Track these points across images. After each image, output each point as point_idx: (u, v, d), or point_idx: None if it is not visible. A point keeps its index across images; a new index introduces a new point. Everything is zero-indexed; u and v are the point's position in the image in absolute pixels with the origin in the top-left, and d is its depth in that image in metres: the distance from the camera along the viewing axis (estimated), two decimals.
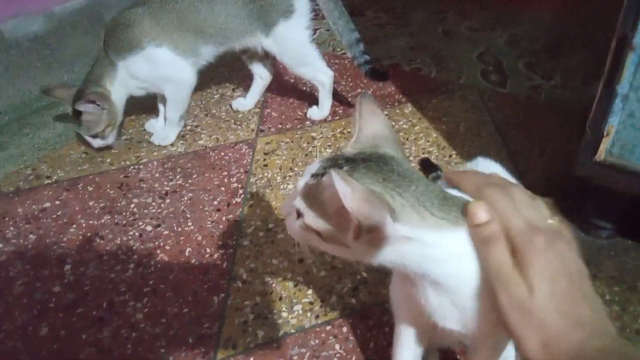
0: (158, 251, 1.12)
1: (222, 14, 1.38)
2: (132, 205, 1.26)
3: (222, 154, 1.44)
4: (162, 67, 1.40)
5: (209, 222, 1.19)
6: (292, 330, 0.93)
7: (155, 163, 1.43)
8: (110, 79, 1.41)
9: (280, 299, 0.99)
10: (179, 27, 1.37)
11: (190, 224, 1.19)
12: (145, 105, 1.60)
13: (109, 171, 1.40)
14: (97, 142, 1.45)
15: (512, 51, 1.91)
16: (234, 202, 1.25)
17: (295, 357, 0.88)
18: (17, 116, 1.66)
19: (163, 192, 1.30)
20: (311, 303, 0.98)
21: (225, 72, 1.86)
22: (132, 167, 1.41)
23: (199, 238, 1.15)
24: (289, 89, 1.75)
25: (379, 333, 0.91)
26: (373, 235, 0.46)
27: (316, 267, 1.05)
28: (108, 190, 1.32)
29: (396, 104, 1.63)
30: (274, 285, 1.02)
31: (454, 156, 1.36)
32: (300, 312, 0.96)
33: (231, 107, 1.66)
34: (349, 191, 0.42)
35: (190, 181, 1.34)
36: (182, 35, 1.38)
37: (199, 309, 0.98)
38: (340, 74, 1.79)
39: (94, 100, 1.37)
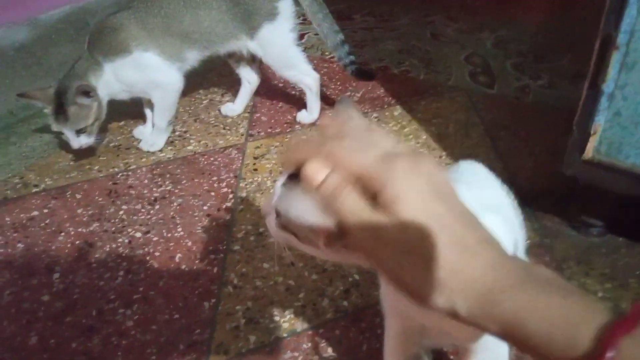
0: (148, 258, 1.11)
1: (207, 18, 1.38)
2: (121, 212, 1.25)
3: (212, 159, 1.44)
4: (149, 71, 1.40)
5: (199, 228, 1.18)
6: (284, 335, 0.92)
7: (144, 169, 1.42)
8: (95, 77, 1.38)
9: (272, 303, 0.99)
10: (164, 32, 1.38)
11: (180, 229, 1.18)
12: (133, 111, 1.59)
13: (97, 178, 1.39)
14: (81, 140, 1.38)
15: (499, 53, 1.93)
16: (224, 207, 1.25)
17: None
18: (4, 125, 1.64)
19: (152, 198, 1.29)
20: (303, 306, 0.97)
21: (214, 77, 1.86)
22: (120, 174, 1.40)
23: (189, 244, 1.14)
24: (278, 93, 1.75)
25: (371, 335, 0.91)
26: (347, 241, 0.45)
27: (307, 271, 1.04)
28: (96, 197, 1.31)
29: (385, 106, 1.63)
30: (265, 289, 1.01)
31: (444, 157, 1.36)
32: (292, 315, 0.96)
33: (220, 113, 1.66)
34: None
35: (179, 187, 1.33)
36: (167, 40, 1.39)
37: (190, 315, 0.97)
38: (329, 77, 1.79)
39: (88, 90, 1.35)
